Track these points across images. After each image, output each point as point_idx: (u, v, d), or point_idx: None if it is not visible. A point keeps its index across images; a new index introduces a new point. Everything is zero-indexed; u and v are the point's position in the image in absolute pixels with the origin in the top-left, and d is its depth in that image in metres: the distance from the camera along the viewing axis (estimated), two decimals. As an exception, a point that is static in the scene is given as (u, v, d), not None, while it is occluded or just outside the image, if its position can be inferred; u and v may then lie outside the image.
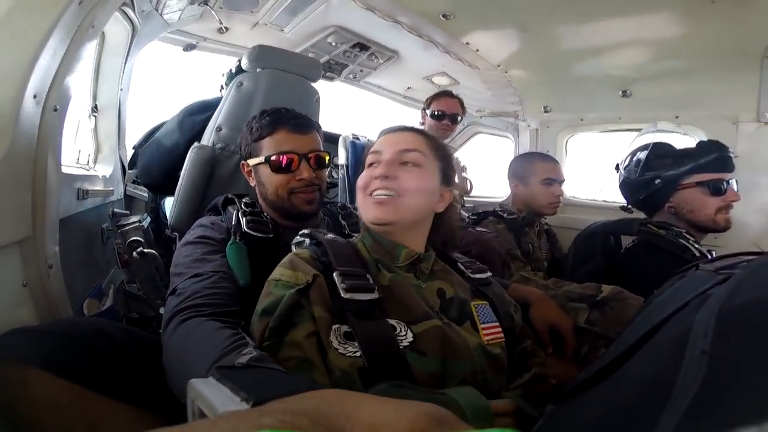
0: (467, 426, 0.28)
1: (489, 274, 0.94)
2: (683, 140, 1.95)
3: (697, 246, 1.37)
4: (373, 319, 0.71)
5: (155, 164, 1.58)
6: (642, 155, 1.58)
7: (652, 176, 1.53)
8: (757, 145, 1.79)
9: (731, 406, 0.30)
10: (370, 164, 0.87)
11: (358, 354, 0.68)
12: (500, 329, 0.83)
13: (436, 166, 0.88)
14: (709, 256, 1.34)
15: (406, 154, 0.85)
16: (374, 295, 0.73)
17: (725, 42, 1.58)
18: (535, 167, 1.84)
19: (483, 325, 0.81)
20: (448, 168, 0.91)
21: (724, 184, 1.45)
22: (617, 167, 1.73)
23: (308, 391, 0.37)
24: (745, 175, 1.69)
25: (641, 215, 1.65)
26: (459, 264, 0.93)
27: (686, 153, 1.53)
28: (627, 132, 2.23)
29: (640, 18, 1.59)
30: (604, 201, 2.30)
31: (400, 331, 0.72)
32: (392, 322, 0.72)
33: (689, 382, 0.34)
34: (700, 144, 1.57)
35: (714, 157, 1.46)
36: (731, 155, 1.48)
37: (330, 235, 0.86)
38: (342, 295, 0.72)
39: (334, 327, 0.70)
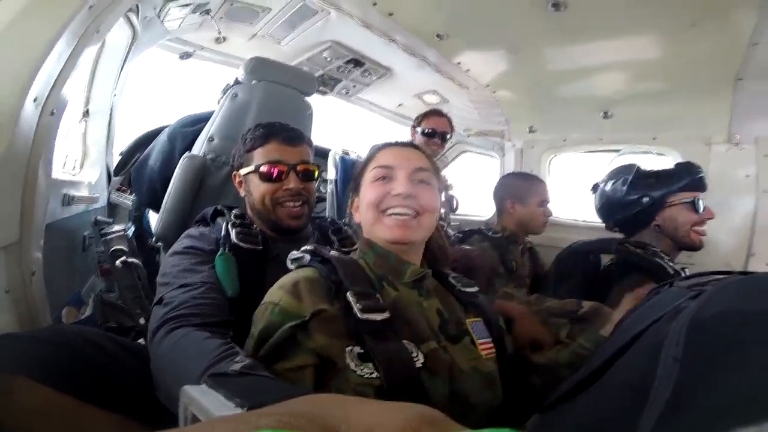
0: (460, 426, 0.30)
1: (476, 288, 0.94)
2: (659, 161, 2.03)
3: (671, 264, 1.43)
4: (390, 340, 0.71)
5: (158, 185, 1.56)
6: (628, 175, 1.64)
7: (639, 195, 1.58)
8: (728, 166, 1.86)
9: (701, 408, 0.32)
10: (379, 178, 0.84)
11: (374, 375, 0.67)
12: (492, 345, 0.84)
13: (436, 183, 0.88)
14: (683, 274, 1.40)
15: (421, 173, 0.84)
16: (387, 315, 0.72)
17: (702, 64, 1.65)
18: (534, 188, 1.89)
19: (479, 341, 0.83)
20: (441, 187, 0.92)
21: (701, 202, 1.54)
22: (595, 188, 1.78)
23: (303, 396, 0.38)
24: (717, 195, 1.76)
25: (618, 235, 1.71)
26: (450, 278, 0.93)
27: (670, 173, 1.60)
28: (607, 153, 2.31)
29: (623, 40, 1.67)
30: (584, 221, 2.36)
31: (412, 351, 0.72)
32: (404, 343, 0.72)
33: (663, 387, 0.36)
34: (680, 165, 1.65)
35: (696, 177, 1.56)
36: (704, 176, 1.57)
37: (334, 252, 0.84)
38: (359, 316, 0.70)
39: (347, 349, 0.70)
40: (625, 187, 1.63)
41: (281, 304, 0.72)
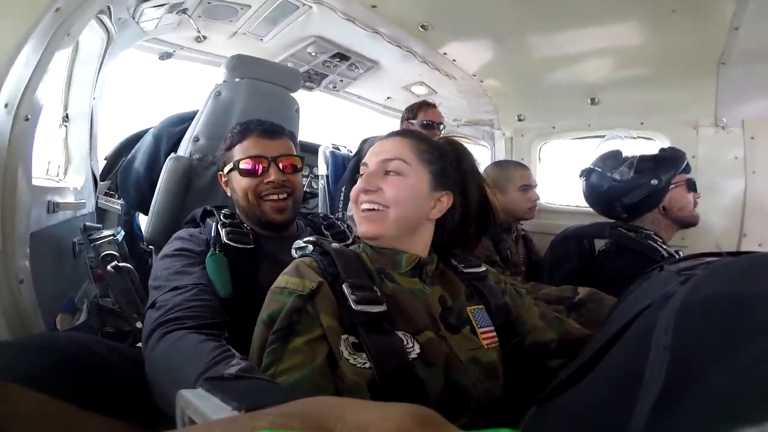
0: (453, 426, 0.30)
1: (484, 268, 0.94)
2: (643, 146, 2.04)
3: (665, 247, 1.45)
4: (384, 333, 0.71)
5: (145, 187, 1.54)
6: (633, 159, 1.65)
7: (649, 178, 1.60)
8: (716, 149, 1.89)
9: (695, 396, 0.32)
10: (360, 175, 0.86)
11: (367, 366, 0.68)
12: (494, 333, 0.84)
13: (423, 170, 0.83)
14: (677, 256, 1.41)
15: (388, 163, 0.83)
16: (383, 308, 0.73)
17: (685, 50, 1.67)
18: (511, 175, 1.89)
19: (480, 330, 0.82)
20: (441, 170, 0.85)
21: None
22: (588, 174, 1.77)
23: (298, 399, 0.37)
24: (705, 178, 1.80)
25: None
26: (453, 260, 0.93)
27: (667, 157, 1.63)
28: (596, 139, 2.32)
29: (607, 27, 1.68)
30: (577, 206, 2.37)
31: (407, 343, 0.72)
32: (399, 334, 0.73)
33: (656, 375, 0.36)
34: (670, 149, 1.68)
35: (685, 160, 1.62)
36: None
37: (335, 245, 0.84)
38: (353, 307, 0.71)
39: (343, 337, 0.70)
40: (632, 171, 1.64)
41: (288, 286, 0.73)
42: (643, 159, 1.64)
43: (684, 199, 1.60)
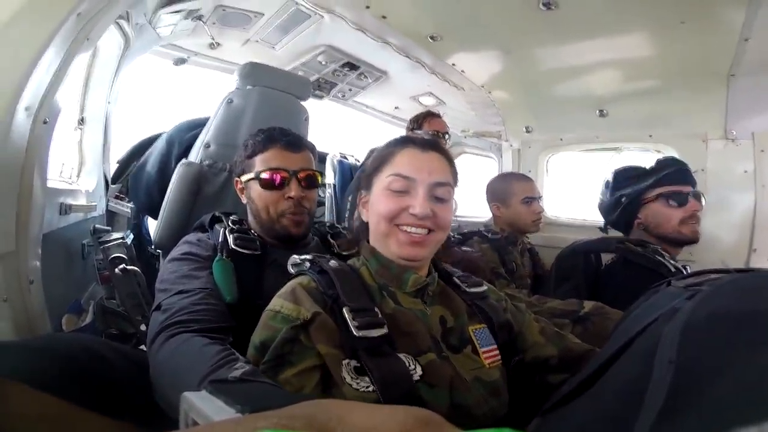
0: (455, 428, 0.30)
1: (485, 287, 0.92)
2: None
3: (672, 262, 1.43)
4: (386, 356, 0.70)
5: (155, 191, 1.56)
6: (610, 177, 1.66)
7: (619, 195, 1.60)
8: (725, 162, 1.87)
9: (696, 412, 0.32)
10: (399, 191, 0.79)
11: (371, 390, 0.67)
12: (497, 351, 0.83)
13: (453, 194, 0.84)
14: (684, 271, 1.40)
15: (440, 188, 0.80)
16: (384, 330, 0.71)
17: (694, 61, 1.66)
18: (513, 188, 1.89)
19: (482, 349, 0.81)
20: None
21: (685, 195, 1.51)
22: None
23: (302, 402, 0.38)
24: (715, 191, 1.79)
25: (616, 234, 1.71)
26: (455, 278, 0.91)
27: (646, 170, 1.61)
28: (604, 151, 2.32)
29: (616, 39, 1.68)
30: (584, 220, 2.35)
31: (409, 365, 0.71)
32: (401, 356, 0.71)
33: (659, 388, 0.36)
34: (659, 160, 1.66)
35: (671, 170, 1.55)
36: (688, 168, 1.57)
37: (333, 263, 0.81)
38: (354, 333, 0.69)
39: (344, 362, 0.69)
40: (607, 189, 1.65)
41: (282, 311, 0.71)
42: (626, 175, 1.63)
43: (661, 216, 1.52)
